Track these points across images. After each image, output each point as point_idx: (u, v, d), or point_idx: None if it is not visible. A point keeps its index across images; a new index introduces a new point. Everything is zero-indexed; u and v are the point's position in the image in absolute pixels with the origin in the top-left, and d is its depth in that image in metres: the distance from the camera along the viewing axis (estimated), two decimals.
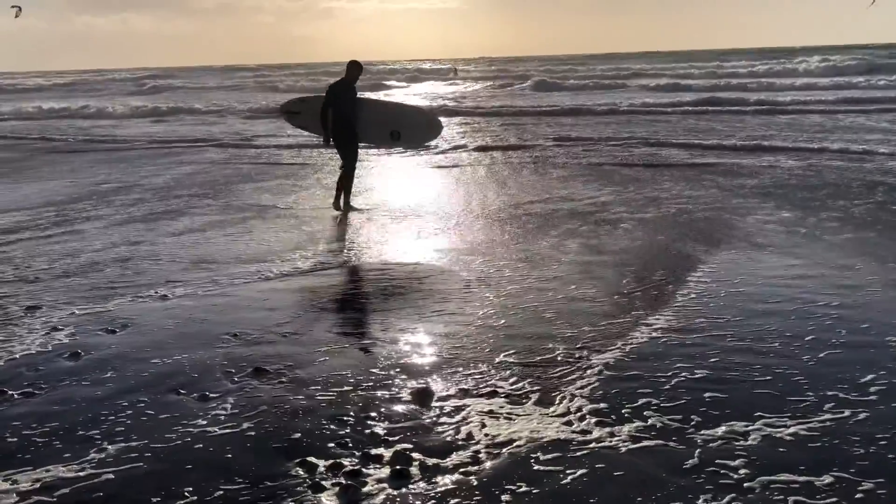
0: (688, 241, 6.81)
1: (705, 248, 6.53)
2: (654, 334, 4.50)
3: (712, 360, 4.08)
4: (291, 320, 4.93)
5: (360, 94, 8.96)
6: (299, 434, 3.34)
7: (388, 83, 45.61)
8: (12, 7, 23.40)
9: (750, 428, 3.29)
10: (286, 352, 4.36)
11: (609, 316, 4.85)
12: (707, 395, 3.65)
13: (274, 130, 19.18)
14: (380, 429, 3.37)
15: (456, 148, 14.62)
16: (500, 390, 3.75)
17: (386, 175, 11.63)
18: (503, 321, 4.81)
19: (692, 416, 3.42)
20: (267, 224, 8.11)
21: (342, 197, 8.64)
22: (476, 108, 24.21)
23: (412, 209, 8.64)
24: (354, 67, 8.63)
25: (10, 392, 3.86)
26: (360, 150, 8.93)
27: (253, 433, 3.37)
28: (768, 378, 3.82)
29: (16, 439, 3.35)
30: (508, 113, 22.43)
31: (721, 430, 3.28)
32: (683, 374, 3.90)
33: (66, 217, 8.73)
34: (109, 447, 3.25)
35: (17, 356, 4.36)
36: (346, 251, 6.84)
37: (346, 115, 8.47)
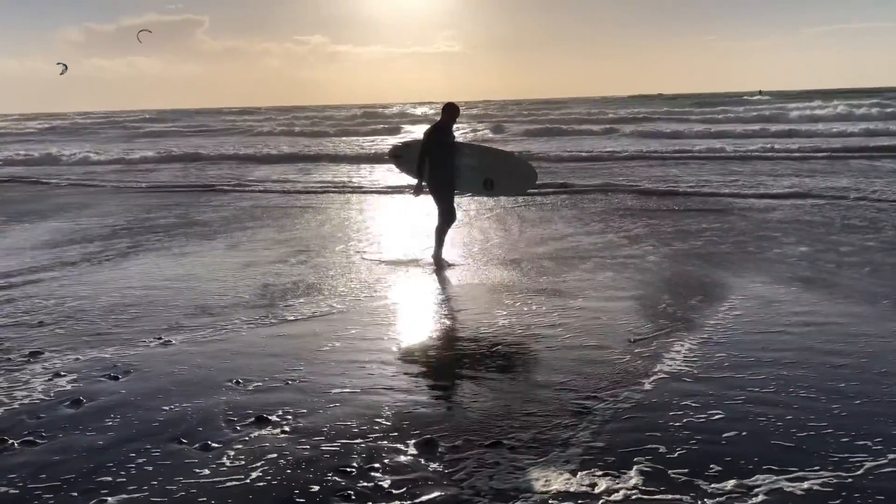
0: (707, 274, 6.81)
1: (723, 286, 6.52)
2: (663, 379, 4.46)
3: (724, 407, 4.03)
4: (295, 367, 4.90)
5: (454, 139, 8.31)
6: (302, 485, 3.29)
7: (397, 125, 46.09)
8: (58, 64, 24.37)
9: (761, 482, 3.24)
10: (290, 399, 4.32)
11: (617, 361, 4.82)
12: (718, 445, 3.60)
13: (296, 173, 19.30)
14: (385, 481, 3.33)
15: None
16: (505, 441, 3.70)
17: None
18: (512, 370, 4.78)
19: (702, 468, 3.36)
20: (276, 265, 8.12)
21: (437, 248, 8.06)
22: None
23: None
24: (451, 110, 8.02)
25: (11, 441, 3.82)
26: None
27: (255, 485, 3.32)
28: (782, 428, 3.77)
29: (16, 491, 3.31)
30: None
31: (731, 483, 3.23)
32: (694, 422, 3.85)
33: (70, 259, 8.74)
34: (110, 498, 3.21)
35: (18, 403, 4.32)
36: (370, 294, 6.82)
37: (443, 161, 7.91)
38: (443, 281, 7.46)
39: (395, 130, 39.93)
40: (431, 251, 8.12)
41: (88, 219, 12.22)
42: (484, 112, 62.80)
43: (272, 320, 6.03)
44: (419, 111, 67.62)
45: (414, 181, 8.22)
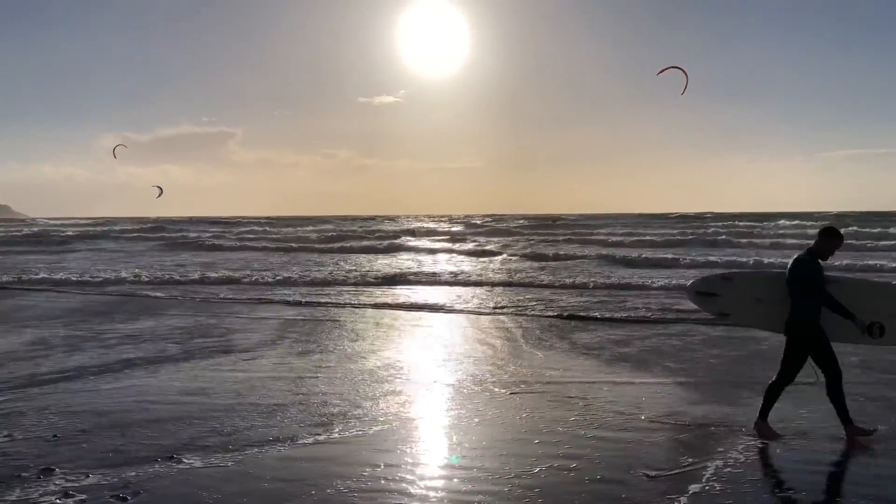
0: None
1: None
2: None
3: None
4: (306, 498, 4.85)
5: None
6: None
7: (423, 238, 46.93)
8: (154, 186, 26.01)
9: None
10: None
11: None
12: None
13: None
14: None
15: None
16: None
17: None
18: None
19: None
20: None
21: (764, 408, 6.25)
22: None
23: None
24: (833, 238, 6.13)
25: None
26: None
27: None
28: None
29: None
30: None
31: None
32: None
33: (82, 367, 8.86)
34: None
35: None
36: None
37: (811, 302, 6.04)
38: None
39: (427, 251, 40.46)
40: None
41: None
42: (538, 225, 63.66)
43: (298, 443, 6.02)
44: (443, 226, 68.79)
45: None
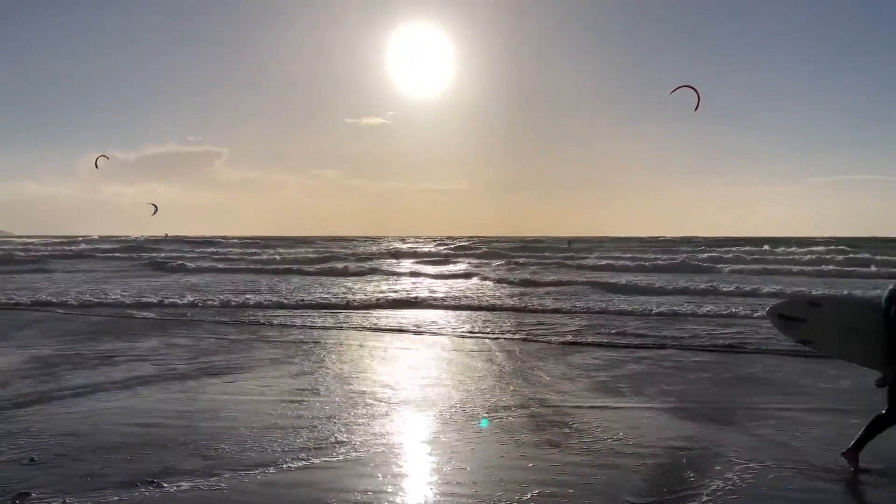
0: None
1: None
2: None
3: None
4: None
5: None
6: None
7: (414, 259, 46.87)
8: (149, 204, 25.97)
9: None
10: None
11: None
12: None
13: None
14: None
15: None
16: None
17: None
18: None
19: None
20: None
21: (861, 439, 5.91)
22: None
23: None
24: None
25: None
26: None
27: None
28: None
29: None
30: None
31: None
32: None
33: (66, 385, 8.68)
34: None
35: None
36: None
37: None
38: None
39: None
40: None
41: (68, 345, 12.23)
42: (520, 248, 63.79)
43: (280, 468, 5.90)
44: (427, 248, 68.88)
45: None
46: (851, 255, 40.01)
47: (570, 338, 13.49)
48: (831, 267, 33.50)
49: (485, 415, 7.69)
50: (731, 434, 6.97)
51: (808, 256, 40.99)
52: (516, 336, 13.82)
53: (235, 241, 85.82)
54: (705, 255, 43.13)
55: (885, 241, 78.98)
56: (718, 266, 35.11)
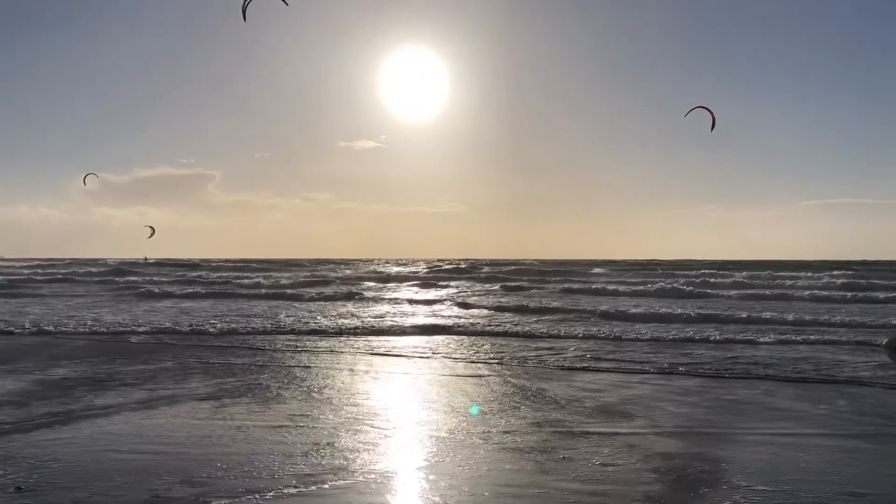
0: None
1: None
2: None
3: None
4: None
5: None
6: None
7: (402, 282, 46.79)
8: (147, 226, 25.95)
9: None
10: None
11: None
12: None
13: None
14: None
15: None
16: None
17: None
18: None
19: None
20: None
21: None
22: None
23: None
24: None
25: None
26: None
27: None
28: None
29: None
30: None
31: None
32: None
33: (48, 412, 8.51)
34: None
35: None
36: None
37: None
38: None
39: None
40: None
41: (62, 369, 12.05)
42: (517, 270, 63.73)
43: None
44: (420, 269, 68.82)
45: None
46: (856, 280, 39.96)
47: (567, 363, 13.40)
48: (840, 293, 32.60)
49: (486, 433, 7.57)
50: (740, 456, 6.88)
51: (815, 280, 41.13)
52: (514, 360, 13.70)
53: (220, 263, 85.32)
54: (706, 279, 43.10)
55: (887, 263, 79.88)
56: (721, 291, 34.90)
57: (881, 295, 30.72)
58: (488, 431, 7.98)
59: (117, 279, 46.52)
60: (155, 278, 47.66)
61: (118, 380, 11.17)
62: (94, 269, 60.63)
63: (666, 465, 6.68)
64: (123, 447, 7.15)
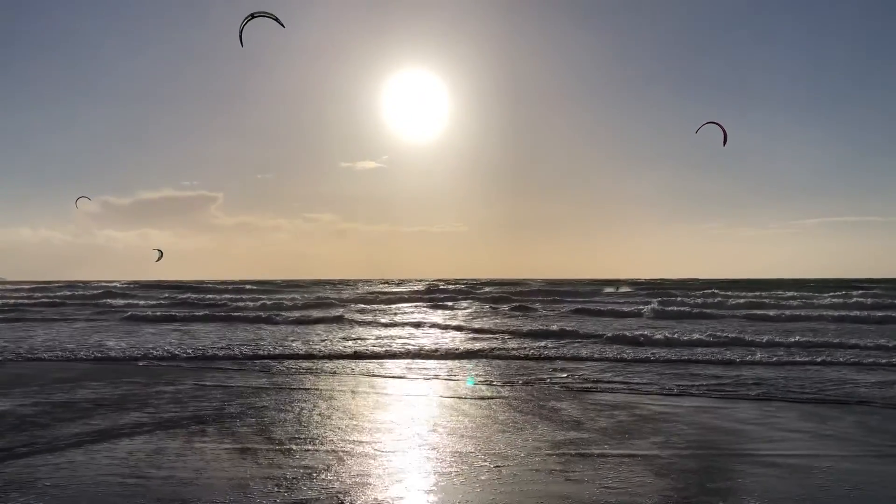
0: None
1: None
2: None
3: None
4: None
5: None
6: None
7: (402, 302, 46.63)
8: (155, 249, 25.93)
9: None
10: None
11: None
12: None
13: None
14: None
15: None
16: None
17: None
18: None
19: None
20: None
21: None
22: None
23: None
24: None
25: None
26: None
27: None
28: None
29: None
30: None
31: None
32: None
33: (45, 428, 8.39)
34: None
35: None
36: None
37: None
38: None
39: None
40: None
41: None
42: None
43: None
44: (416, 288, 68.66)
45: None
46: (861, 299, 39.60)
47: (568, 383, 13.25)
48: (854, 313, 31.89)
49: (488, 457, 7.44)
50: (750, 477, 6.74)
51: (820, 299, 40.82)
52: (518, 382, 13.56)
53: (217, 285, 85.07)
54: (710, 299, 42.81)
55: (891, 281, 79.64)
56: (724, 311, 34.48)
57: (894, 314, 30.43)
58: (488, 453, 7.85)
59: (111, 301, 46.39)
60: (150, 301, 47.57)
61: (102, 406, 11.05)
62: (85, 293, 60.20)
63: (676, 485, 6.55)
64: (108, 474, 7.01)
